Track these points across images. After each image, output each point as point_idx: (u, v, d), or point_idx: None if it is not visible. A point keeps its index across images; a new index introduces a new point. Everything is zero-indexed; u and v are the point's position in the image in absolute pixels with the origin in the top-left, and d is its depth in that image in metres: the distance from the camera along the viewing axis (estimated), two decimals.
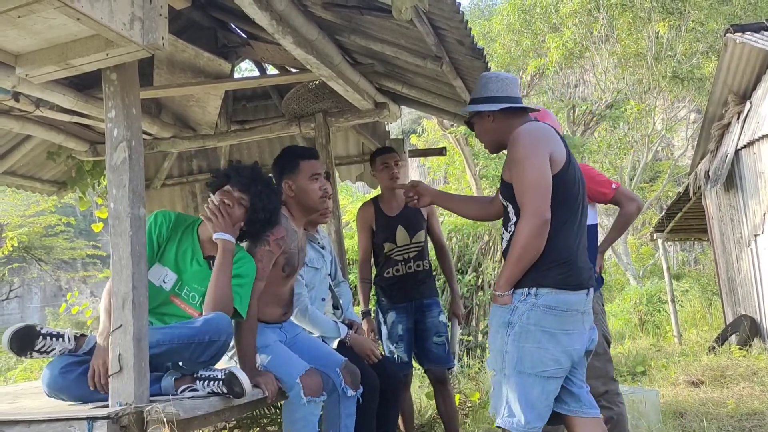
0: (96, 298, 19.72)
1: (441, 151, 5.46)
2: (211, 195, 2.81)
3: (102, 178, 5.47)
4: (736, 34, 6.88)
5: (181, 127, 4.85)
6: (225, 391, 2.49)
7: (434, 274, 4.22)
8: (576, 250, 2.50)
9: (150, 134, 4.72)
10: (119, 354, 2.24)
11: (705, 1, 12.65)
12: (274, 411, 3.70)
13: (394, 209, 4.03)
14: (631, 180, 14.41)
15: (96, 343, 2.45)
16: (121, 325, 2.26)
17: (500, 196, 2.65)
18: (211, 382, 2.50)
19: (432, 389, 4.21)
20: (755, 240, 7.31)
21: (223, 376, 2.50)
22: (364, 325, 3.84)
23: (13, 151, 4.86)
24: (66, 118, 4.19)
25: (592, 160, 13.14)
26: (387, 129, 5.27)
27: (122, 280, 2.28)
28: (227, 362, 3.05)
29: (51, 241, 18.94)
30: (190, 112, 4.71)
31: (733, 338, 7.44)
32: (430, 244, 4.15)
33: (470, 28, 2.90)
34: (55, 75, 2.43)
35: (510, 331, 2.46)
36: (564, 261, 2.47)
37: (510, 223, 2.55)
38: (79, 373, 2.45)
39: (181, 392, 2.50)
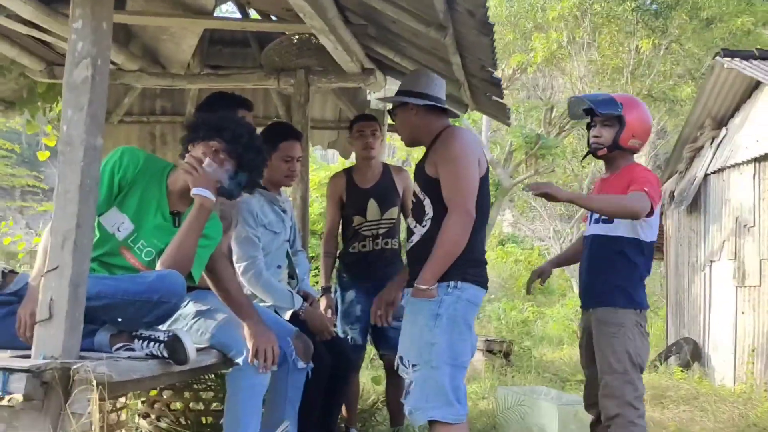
0: (31, 231, 18.88)
1: None
2: (191, 145, 2.51)
3: (55, 103, 5.05)
4: (725, 58, 6.84)
5: (150, 62, 4.49)
6: (166, 355, 2.22)
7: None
8: (485, 251, 2.77)
9: (115, 64, 4.34)
10: (51, 299, 1.95)
11: (688, 24, 12.71)
12: (213, 377, 3.44)
13: (368, 181, 3.80)
14: (589, 190, 14.50)
15: (27, 284, 2.15)
16: (57, 267, 1.96)
17: (416, 189, 2.75)
18: (152, 344, 2.23)
19: (380, 375, 4.04)
20: (710, 266, 7.36)
21: (166, 338, 2.23)
22: (322, 302, 3.61)
23: None
24: (23, 29, 3.79)
25: (556, 165, 13.17)
26: (368, 98, 5.01)
27: (65, 215, 1.99)
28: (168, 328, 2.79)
29: None
30: (162, 46, 4.35)
31: (673, 359, 7.50)
32: (403, 225, 3.93)
33: None
34: None
35: (438, 322, 2.55)
36: (480, 260, 2.69)
37: (426, 218, 2.66)
38: (3, 315, 2.15)
39: (116, 350, 2.22)
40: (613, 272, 2.98)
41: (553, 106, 12.11)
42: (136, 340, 2.25)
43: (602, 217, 3.03)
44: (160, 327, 2.46)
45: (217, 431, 3.25)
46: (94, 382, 1.85)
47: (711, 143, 7.47)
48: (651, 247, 3.06)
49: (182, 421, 3.47)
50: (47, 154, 5.39)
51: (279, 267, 3.30)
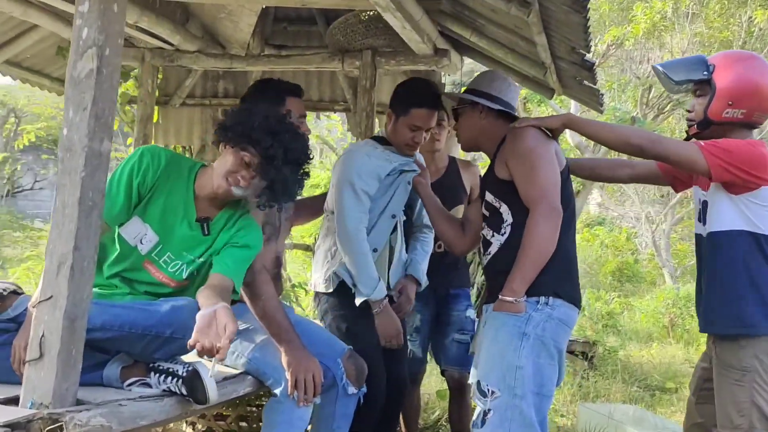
0: None
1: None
2: (222, 145, 2.17)
3: (119, 83, 4.88)
4: None
5: (209, 42, 4.21)
6: (184, 392, 1.92)
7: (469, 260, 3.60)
8: (576, 262, 2.39)
9: (172, 44, 4.09)
10: (42, 334, 1.66)
11: None
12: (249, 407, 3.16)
13: (431, 175, 3.33)
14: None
15: (27, 310, 1.88)
16: (51, 297, 1.67)
17: (489, 198, 2.44)
18: (169, 378, 1.93)
19: (447, 388, 3.66)
20: None
21: (185, 374, 1.92)
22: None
23: (17, 39, 4.25)
24: (73, 9, 3.56)
25: None
26: (443, 81, 4.55)
27: (62, 235, 1.68)
28: None
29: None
30: (220, 25, 4.05)
31: None
32: None
33: None
34: None
35: (525, 343, 2.22)
36: (573, 272, 2.38)
37: (505, 225, 2.35)
38: None
39: (128, 386, 1.93)
40: (724, 284, 2.36)
41: (651, 86, 11.16)
42: (152, 374, 1.95)
43: (707, 212, 2.44)
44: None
45: None
46: None
47: None
48: None
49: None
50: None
51: (393, 216, 2.86)
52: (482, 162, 5.60)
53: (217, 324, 1.83)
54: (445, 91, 3.92)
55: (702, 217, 2.50)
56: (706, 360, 2.51)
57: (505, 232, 2.36)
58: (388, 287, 2.87)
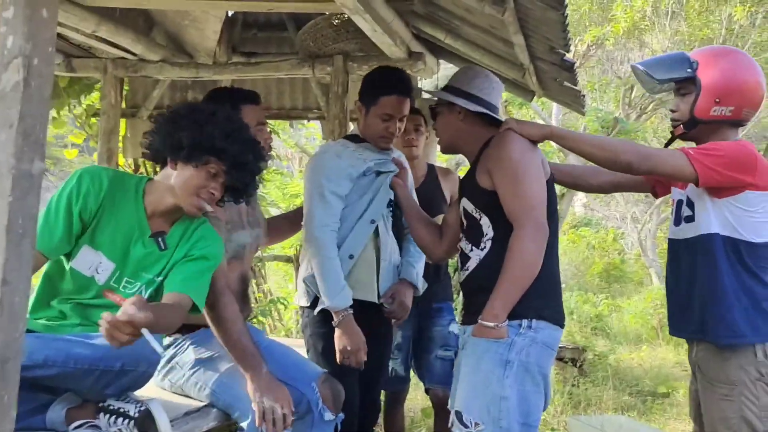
0: None
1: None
2: (173, 163, 2.02)
3: (84, 95, 4.71)
4: None
5: (174, 51, 4.04)
6: None
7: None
8: (560, 278, 2.24)
9: (134, 54, 3.91)
10: None
11: None
12: None
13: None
14: None
15: None
16: None
17: (468, 207, 2.26)
18: (120, 420, 1.77)
19: (431, 407, 3.50)
20: None
21: (137, 414, 1.75)
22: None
23: None
24: None
25: (629, 139, 12.16)
26: (419, 86, 4.41)
27: None
28: (161, 381, 2.31)
29: (56, 152, 18.31)
30: (186, 33, 3.89)
31: None
32: None
33: None
34: None
35: (508, 371, 2.07)
36: (557, 290, 2.22)
37: (485, 239, 2.18)
38: None
39: (74, 429, 1.75)
40: (710, 290, 2.20)
41: (633, 86, 11.09)
42: (101, 415, 1.78)
43: (683, 213, 2.32)
44: (152, 381, 2.00)
45: None
46: None
47: None
48: (761, 253, 2.21)
49: None
50: (75, 153, 5.06)
51: (372, 222, 2.63)
52: (465, 167, 5.44)
53: None
54: (422, 95, 3.76)
55: (678, 219, 2.37)
56: (695, 381, 2.38)
57: (485, 247, 2.19)
58: (378, 295, 2.66)
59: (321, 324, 2.61)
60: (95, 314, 2.01)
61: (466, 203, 2.29)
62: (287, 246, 7.92)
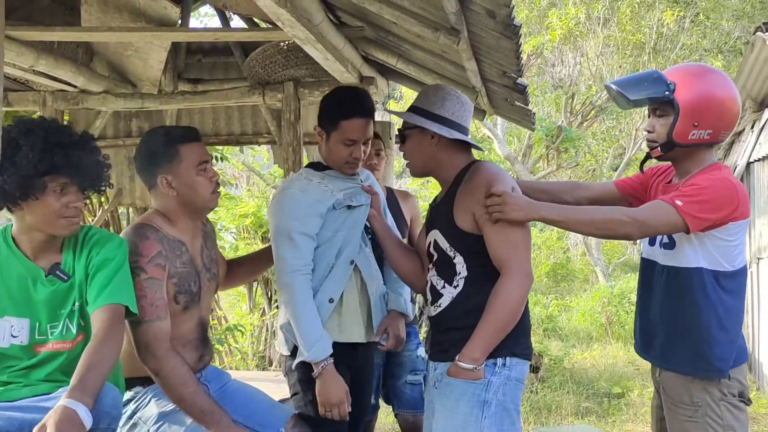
0: None
1: None
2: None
3: None
4: (767, 33, 6.12)
5: (118, 81, 3.92)
6: None
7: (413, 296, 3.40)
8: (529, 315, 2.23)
9: (75, 86, 3.78)
10: None
11: None
12: None
13: None
14: (614, 170, 13.80)
15: None
16: None
17: (441, 242, 2.20)
18: None
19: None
20: (757, 263, 6.71)
21: None
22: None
23: None
24: None
25: (573, 146, 12.43)
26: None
27: None
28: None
29: None
30: (128, 63, 3.78)
31: None
32: None
33: None
34: None
35: (486, 412, 2.05)
36: (528, 328, 2.21)
37: (458, 277, 2.16)
38: None
39: None
40: (682, 325, 2.21)
41: (574, 94, 11.35)
42: None
43: (662, 239, 2.28)
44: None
45: None
46: None
47: (752, 127, 6.79)
48: (738, 279, 2.23)
49: None
50: None
51: (352, 263, 2.47)
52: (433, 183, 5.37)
53: None
54: (386, 113, 3.73)
55: (653, 240, 2.34)
56: (658, 397, 2.40)
57: (458, 285, 2.16)
58: (369, 333, 2.52)
59: (308, 370, 2.40)
60: (37, 373, 1.96)
61: (438, 237, 2.22)
62: None
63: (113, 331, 1.86)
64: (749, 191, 6.87)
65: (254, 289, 7.06)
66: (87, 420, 1.60)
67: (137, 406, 2.18)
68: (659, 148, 2.27)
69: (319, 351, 2.32)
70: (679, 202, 2.10)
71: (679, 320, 2.22)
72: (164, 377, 2.06)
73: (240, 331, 5.32)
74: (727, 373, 2.17)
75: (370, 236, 2.57)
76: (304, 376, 2.41)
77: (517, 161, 9.66)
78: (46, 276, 1.96)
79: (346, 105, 2.42)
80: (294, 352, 2.43)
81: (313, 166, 2.55)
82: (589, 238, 14.99)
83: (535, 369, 6.74)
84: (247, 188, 9.88)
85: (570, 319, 11.97)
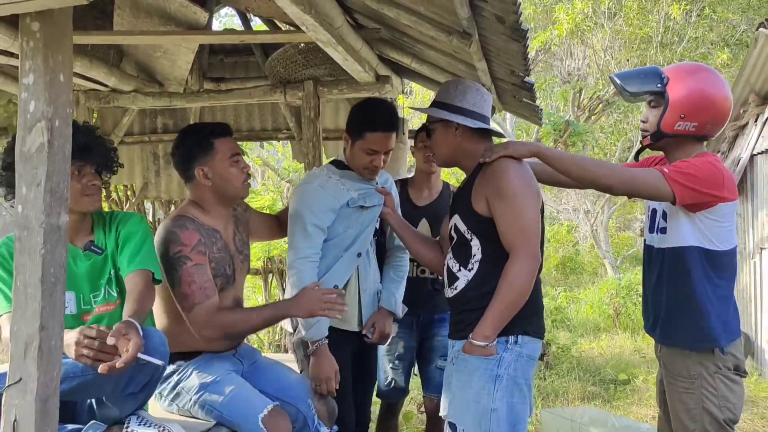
0: None
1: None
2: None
3: None
4: None
5: (146, 80, 4.14)
6: None
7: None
8: (542, 296, 2.41)
9: (106, 86, 4.00)
10: (15, 420, 1.61)
11: None
12: None
13: (424, 198, 3.29)
14: (621, 162, 13.95)
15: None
16: (20, 379, 1.62)
17: (460, 225, 2.38)
18: None
19: (412, 412, 3.68)
20: (760, 253, 6.87)
21: None
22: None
23: None
24: (2, 60, 3.45)
25: (581, 140, 12.54)
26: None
27: (26, 317, 1.63)
28: (168, 406, 2.44)
29: None
30: (157, 63, 3.99)
31: None
32: None
33: (519, 3, 2.24)
34: None
35: (498, 386, 2.22)
36: (540, 308, 2.39)
37: (473, 260, 2.33)
38: None
39: None
40: (680, 300, 2.39)
41: (581, 89, 11.49)
42: None
43: (659, 225, 2.48)
44: (158, 406, 2.14)
45: None
46: None
47: (756, 121, 6.94)
48: (729, 259, 2.40)
49: None
50: None
51: (359, 255, 2.76)
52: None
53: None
54: (410, 109, 3.93)
55: (653, 227, 2.53)
56: (661, 373, 2.59)
57: (472, 269, 2.33)
58: (360, 323, 2.80)
59: (307, 347, 2.70)
60: None
61: (458, 221, 2.39)
62: (254, 259, 8.03)
63: (145, 290, 2.16)
64: (752, 183, 7.03)
65: (270, 280, 7.29)
66: (140, 332, 1.89)
67: (180, 378, 2.41)
68: (650, 136, 2.47)
69: (316, 332, 2.58)
70: (666, 170, 2.29)
71: (676, 297, 2.40)
72: (230, 333, 2.39)
73: None
74: (720, 344, 2.34)
75: (375, 238, 2.83)
76: (307, 353, 2.68)
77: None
78: (83, 252, 2.25)
79: (373, 118, 2.67)
80: (296, 329, 2.71)
81: (336, 164, 2.81)
82: (598, 231, 15.17)
83: (542, 356, 6.93)
84: (263, 182, 10.11)
85: (579, 311, 12.12)
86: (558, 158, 2.37)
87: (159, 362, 1.93)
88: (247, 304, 6.84)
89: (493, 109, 4.13)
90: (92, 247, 2.27)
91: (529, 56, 2.81)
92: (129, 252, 2.25)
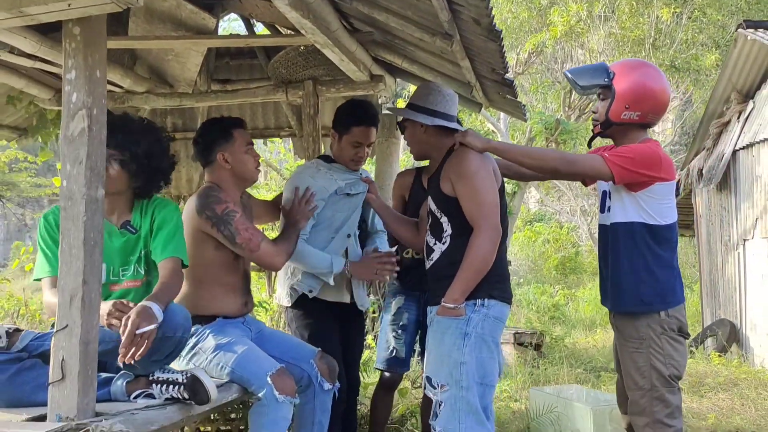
0: None
1: None
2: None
3: None
4: (748, 29, 6.60)
5: (157, 82, 4.46)
6: (186, 397, 2.20)
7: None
8: (508, 265, 2.68)
9: (121, 87, 4.32)
10: (62, 360, 1.92)
11: None
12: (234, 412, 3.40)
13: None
14: None
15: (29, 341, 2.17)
16: (66, 326, 1.94)
17: (432, 207, 2.70)
18: (170, 387, 2.21)
19: (407, 387, 3.95)
20: (743, 244, 7.17)
21: (185, 380, 2.21)
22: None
23: None
24: (28, 63, 3.77)
25: (571, 138, 12.82)
26: (380, 102, 4.91)
27: (71, 272, 1.95)
28: (186, 365, 2.75)
29: (14, 177, 18.20)
30: (168, 66, 4.31)
31: (710, 341, 7.33)
32: None
33: (491, 7, 2.55)
34: (8, 23, 2.08)
35: (467, 341, 2.52)
36: (505, 275, 2.66)
37: (445, 235, 2.64)
38: (14, 373, 2.14)
39: (134, 398, 2.20)
40: (625, 269, 2.65)
41: (572, 89, 11.80)
42: (154, 385, 2.22)
43: (607, 204, 2.76)
44: (176, 366, 2.44)
45: None
46: None
47: (738, 117, 7.25)
48: (669, 232, 2.67)
49: None
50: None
51: (349, 236, 3.17)
52: None
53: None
54: (385, 109, 4.27)
55: (603, 207, 2.82)
56: (616, 338, 2.85)
57: (445, 242, 2.63)
58: (351, 297, 3.18)
59: (304, 317, 3.13)
60: None
61: (431, 202, 2.75)
62: None
63: (175, 275, 2.43)
64: (735, 178, 7.34)
65: (273, 276, 7.60)
66: (158, 314, 2.15)
67: (197, 340, 2.71)
68: (599, 125, 2.78)
69: (338, 264, 3.01)
70: (606, 155, 2.61)
71: (622, 268, 2.68)
72: (291, 252, 2.86)
73: (264, 307, 5.86)
74: (664, 307, 2.63)
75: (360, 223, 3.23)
76: (303, 322, 3.10)
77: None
78: (119, 230, 2.51)
79: (358, 114, 3.11)
80: (296, 304, 3.10)
81: (324, 158, 3.24)
82: (596, 231, 15.45)
83: (537, 347, 7.22)
84: (265, 182, 10.44)
85: (576, 309, 12.39)
86: (507, 150, 2.74)
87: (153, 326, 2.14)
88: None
89: (480, 105, 4.45)
90: (128, 227, 2.51)
91: (506, 54, 3.12)
92: (163, 239, 2.49)
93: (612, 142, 2.86)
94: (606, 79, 2.71)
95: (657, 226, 2.66)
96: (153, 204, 2.58)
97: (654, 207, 2.66)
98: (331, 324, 3.13)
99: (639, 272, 2.65)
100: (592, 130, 2.89)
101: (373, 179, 3.33)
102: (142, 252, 2.54)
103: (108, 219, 2.49)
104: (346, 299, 3.18)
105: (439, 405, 2.56)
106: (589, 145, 3.04)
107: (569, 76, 2.82)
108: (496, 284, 2.60)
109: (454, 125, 2.78)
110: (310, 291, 3.07)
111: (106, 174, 2.46)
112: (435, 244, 2.70)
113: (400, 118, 2.96)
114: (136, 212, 2.56)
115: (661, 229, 2.67)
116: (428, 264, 2.76)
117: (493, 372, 2.58)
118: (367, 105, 3.22)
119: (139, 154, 2.47)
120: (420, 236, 2.94)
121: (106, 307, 2.18)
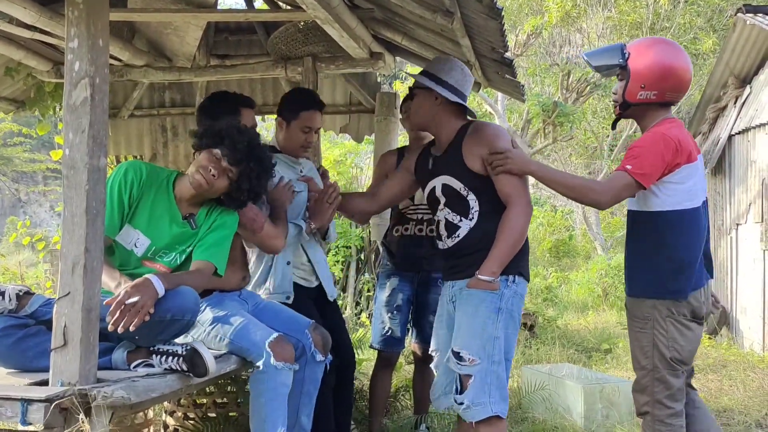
0: (56, 213, 19.14)
1: None
2: (196, 152, 2.52)
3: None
4: (747, 14, 6.59)
5: (156, 56, 4.44)
6: (185, 369, 2.23)
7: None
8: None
9: (120, 60, 4.30)
10: (64, 326, 1.95)
11: None
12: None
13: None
14: (611, 150, 14.25)
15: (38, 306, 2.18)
16: (68, 293, 1.96)
17: (455, 184, 2.69)
18: (170, 358, 2.24)
19: (400, 363, 3.99)
20: (737, 229, 7.22)
21: (184, 352, 2.24)
22: None
23: None
24: (27, 34, 3.75)
25: (575, 132, 12.87)
26: (378, 80, 4.92)
27: (73, 240, 1.97)
28: (184, 338, 2.78)
29: (9, 151, 18.12)
30: (167, 40, 4.29)
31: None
32: None
33: None
34: None
35: (500, 316, 2.56)
36: (528, 254, 2.70)
37: (472, 211, 2.66)
38: (20, 338, 2.16)
39: (134, 368, 2.23)
40: (636, 255, 2.68)
41: (570, 72, 11.80)
42: (154, 356, 2.25)
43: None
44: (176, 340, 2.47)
45: (242, 424, 3.27)
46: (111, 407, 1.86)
47: (735, 102, 7.26)
48: (683, 217, 2.59)
49: (209, 415, 3.50)
50: (60, 153, 5.39)
51: (300, 223, 3.16)
52: None
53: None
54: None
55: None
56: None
57: (473, 218, 2.65)
58: (317, 279, 3.23)
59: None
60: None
61: (449, 181, 2.70)
62: None
63: (201, 275, 2.48)
64: (730, 162, 7.37)
65: None
66: (159, 288, 2.18)
67: None
68: (618, 106, 2.76)
69: (301, 223, 3.09)
70: (629, 166, 2.55)
71: (637, 253, 2.70)
72: (282, 245, 2.89)
73: None
74: (683, 295, 2.59)
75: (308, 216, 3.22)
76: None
77: (516, 135, 10.16)
78: (183, 219, 2.54)
79: (306, 99, 3.14)
80: None
81: (269, 149, 3.19)
82: (590, 215, 15.52)
83: (530, 327, 7.28)
84: None
85: (569, 291, 12.46)
86: (548, 179, 2.68)
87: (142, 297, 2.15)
88: None
89: (479, 85, 4.46)
90: (191, 220, 2.55)
91: (506, 33, 3.12)
92: (209, 242, 2.53)
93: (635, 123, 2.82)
94: (620, 60, 2.67)
95: (676, 211, 2.60)
96: (219, 208, 2.61)
97: (672, 192, 2.60)
98: (307, 307, 3.13)
99: (640, 259, 2.68)
100: (614, 112, 2.85)
101: (322, 165, 3.45)
102: (191, 248, 2.57)
103: (178, 205, 2.53)
104: (314, 284, 3.22)
105: (468, 378, 2.56)
106: (614, 126, 3.06)
107: (584, 57, 2.85)
108: (523, 261, 2.66)
109: (469, 108, 2.80)
110: (288, 298, 3.10)
111: (213, 179, 2.46)
112: (461, 221, 2.69)
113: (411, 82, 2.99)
114: (204, 209, 2.60)
115: (680, 214, 2.61)
116: (450, 242, 2.74)
117: (514, 347, 2.67)
118: (313, 91, 3.31)
119: (250, 177, 2.50)
120: (373, 203, 3.07)
121: (125, 285, 2.17)
